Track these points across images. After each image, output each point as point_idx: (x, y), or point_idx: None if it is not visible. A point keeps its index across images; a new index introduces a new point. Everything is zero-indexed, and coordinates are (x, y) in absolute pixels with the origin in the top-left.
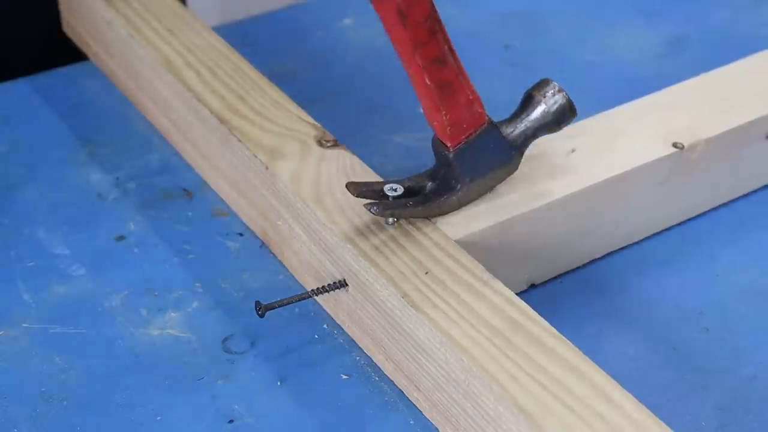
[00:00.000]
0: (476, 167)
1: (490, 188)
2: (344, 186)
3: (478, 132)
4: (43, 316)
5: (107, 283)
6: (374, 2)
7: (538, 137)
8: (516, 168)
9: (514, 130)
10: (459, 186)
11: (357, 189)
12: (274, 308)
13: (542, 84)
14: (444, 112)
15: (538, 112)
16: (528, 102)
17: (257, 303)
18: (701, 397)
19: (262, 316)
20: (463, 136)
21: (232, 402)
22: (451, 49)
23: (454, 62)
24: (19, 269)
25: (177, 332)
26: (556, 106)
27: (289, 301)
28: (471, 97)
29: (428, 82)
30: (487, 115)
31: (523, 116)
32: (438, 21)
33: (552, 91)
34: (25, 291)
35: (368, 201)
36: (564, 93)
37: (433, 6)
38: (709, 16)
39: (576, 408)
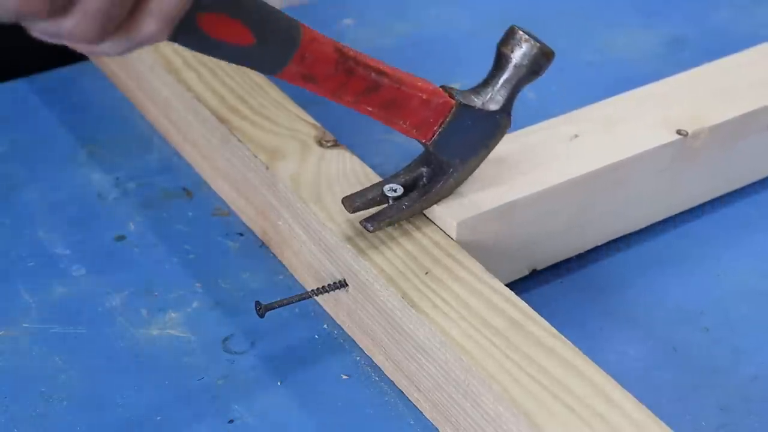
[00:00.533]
0: (462, 146)
1: (486, 156)
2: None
3: (448, 118)
4: (43, 316)
5: (107, 283)
6: (278, 75)
7: (520, 90)
8: (506, 129)
9: (492, 95)
10: (451, 169)
11: (351, 205)
12: (274, 308)
13: (509, 36)
14: (401, 122)
15: (510, 69)
16: (499, 60)
17: (257, 303)
18: (701, 397)
19: (262, 316)
20: (434, 128)
21: (232, 402)
22: (381, 71)
23: (389, 80)
24: (19, 269)
25: (177, 332)
26: (527, 59)
27: (289, 301)
28: (425, 97)
29: (369, 109)
30: (455, 96)
31: (497, 78)
32: (352, 58)
33: (519, 43)
34: (25, 291)
35: (363, 220)
36: (532, 41)
37: (339, 52)
38: (709, 17)
39: (576, 408)
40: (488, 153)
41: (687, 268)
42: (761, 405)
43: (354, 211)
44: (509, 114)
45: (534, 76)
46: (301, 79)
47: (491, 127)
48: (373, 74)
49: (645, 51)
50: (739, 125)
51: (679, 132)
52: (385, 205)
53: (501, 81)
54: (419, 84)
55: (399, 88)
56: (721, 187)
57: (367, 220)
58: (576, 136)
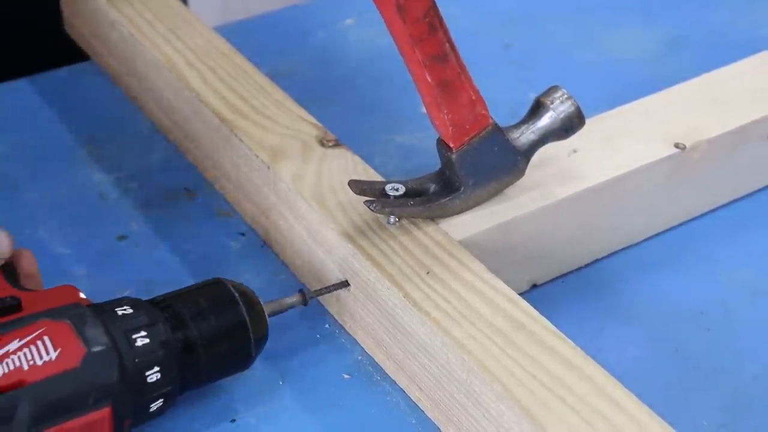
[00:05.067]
0: (480, 170)
1: (495, 194)
2: (346, 185)
3: (481, 134)
4: None
5: (108, 283)
6: None
7: (545, 144)
8: (522, 174)
9: (520, 136)
10: (462, 188)
11: (358, 187)
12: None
13: (551, 91)
14: (446, 112)
15: (546, 118)
16: (536, 108)
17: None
18: (703, 396)
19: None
20: (466, 138)
21: (233, 401)
22: (453, 49)
23: (456, 62)
24: None
25: None
26: (564, 114)
27: (328, 290)
28: (474, 98)
29: (429, 80)
30: (492, 119)
31: (530, 122)
32: (439, 18)
33: (561, 98)
34: None
35: (368, 198)
36: (573, 100)
37: (434, 3)
38: (709, 16)
39: (577, 407)
40: (498, 190)
41: (688, 267)
42: (762, 405)
43: (360, 194)
44: (528, 162)
45: (563, 134)
46: (395, 9)
47: (511, 163)
48: (447, 45)
49: (645, 51)
50: (738, 137)
51: (677, 145)
52: (390, 198)
53: (533, 127)
54: (474, 84)
55: (460, 74)
56: (721, 198)
57: (371, 201)
58: (575, 150)
